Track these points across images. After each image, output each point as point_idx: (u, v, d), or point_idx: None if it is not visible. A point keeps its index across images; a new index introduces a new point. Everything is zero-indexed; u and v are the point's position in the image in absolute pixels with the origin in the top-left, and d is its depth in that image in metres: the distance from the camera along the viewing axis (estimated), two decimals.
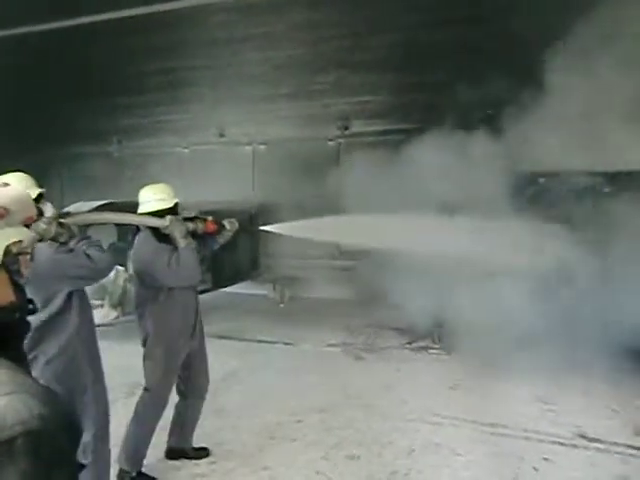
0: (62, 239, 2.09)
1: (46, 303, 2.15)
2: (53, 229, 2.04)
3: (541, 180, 5.22)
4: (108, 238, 5.86)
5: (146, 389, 2.93)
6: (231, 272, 6.91)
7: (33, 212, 1.82)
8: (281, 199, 7.17)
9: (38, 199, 2.14)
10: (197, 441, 3.23)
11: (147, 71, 8.58)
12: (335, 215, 4.04)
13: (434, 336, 5.65)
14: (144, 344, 2.93)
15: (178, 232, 2.79)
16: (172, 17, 8.14)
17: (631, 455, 3.17)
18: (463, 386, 4.33)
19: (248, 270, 7.62)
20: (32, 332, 2.01)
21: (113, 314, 5.31)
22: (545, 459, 3.14)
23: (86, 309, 2.33)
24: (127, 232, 5.20)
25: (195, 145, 9.04)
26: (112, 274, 5.03)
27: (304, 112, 8.06)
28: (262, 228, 3.27)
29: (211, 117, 8.75)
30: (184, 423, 3.13)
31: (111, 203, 5.67)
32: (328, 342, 5.67)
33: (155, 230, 2.82)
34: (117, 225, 5.49)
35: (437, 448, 3.31)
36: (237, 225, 3.22)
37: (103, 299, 5.32)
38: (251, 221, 7.68)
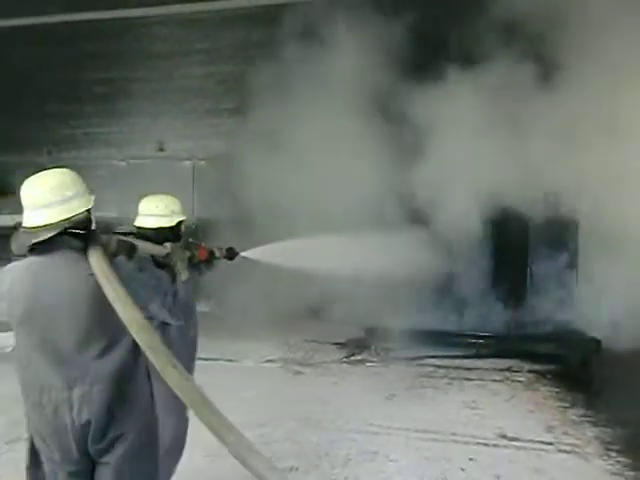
0: (121, 255, 1.76)
1: (112, 345, 1.68)
2: (114, 242, 1.74)
3: None
4: None
5: None
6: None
7: None
8: (221, 215, 7.15)
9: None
10: None
11: (83, 80, 8.30)
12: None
13: (371, 350, 5.86)
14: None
15: (180, 262, 2.37)
16: (112, 26, 7.99)
17: (543, 450, 3.50)
18: (398, 396, 4.52)
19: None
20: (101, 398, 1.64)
21: None
22: (471, 459, 3.37)
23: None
24: None
25: (132, 159, 8.81)
26: None
27: (244, 127, 8.12)
28: (243, 254, 3.13)
29: (150, 130, 8.58)
30: None
31: None
32: (267, 358, 5.69)
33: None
34: None
35: (372, 456, 3.45)
36: (225, 252, 2.88)
37: None
38: (191, 237, 7.54)
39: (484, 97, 5.04)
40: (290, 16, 6.14)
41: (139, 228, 2.62)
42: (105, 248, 1.68)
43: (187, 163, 8.58)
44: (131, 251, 1.80)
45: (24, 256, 1.74)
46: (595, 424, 3.93)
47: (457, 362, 5.38)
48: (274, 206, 5.47)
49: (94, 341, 1.67)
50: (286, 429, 3.82)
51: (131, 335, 1.61)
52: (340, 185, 5.45)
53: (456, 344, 5.69)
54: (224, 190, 7.06)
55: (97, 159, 8.82)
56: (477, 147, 5.09)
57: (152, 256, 2.39)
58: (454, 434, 3.75)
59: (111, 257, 1.68)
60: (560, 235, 5.78)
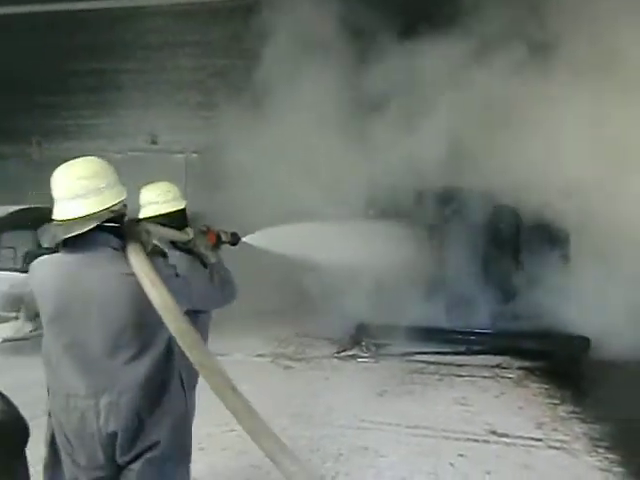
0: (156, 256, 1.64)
1: (143, 351, 1.55)
2: (150, 240, 1.60)
3: None
4: (22, 247, 5.50)
5: None
6: None
7: None
8: (214, 208, 7.11)
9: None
10: None
11: (75, 71, 8.20)
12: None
13: (362, 345, 5.86)
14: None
15: (203, 246, 2.27)
16: (104, 17, 7.90)
17: (532, 446, 3.52)
18: (390, 392, 4.53)
19: None
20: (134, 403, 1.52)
21: (28, 327, 4.95)
22: (460, 455, 3.39)
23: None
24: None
25: (125, 151, 8.72)
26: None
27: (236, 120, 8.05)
28: (244, 239, 3.04)
29: (142, 123, 8.51)
30: None
31: (29, 209, 5.34)
32: (258, 352, 5.67)
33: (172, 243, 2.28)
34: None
35: (363, 451, 3.44)
36: (230, 236, 2.72)
37: (18, 311, 4.94)
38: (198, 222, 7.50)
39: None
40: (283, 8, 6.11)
41: (146, 219, 2.39)
42: (144, 247, 1.54)
43: (179, 156, 8.52)
44: (163, 255, 1.70)
45: (53, 251, 1.61)
46: (584, 421, 3.96)
47: (447, 358, 5.41)
48: (266, 198, 5.44)
49: (125, 345, 1.54)
50: (277, 424, 3.74)
51: (164, 339, 1.53)
52: (333, 177, 5.43)
53: (447, 341, 5.71)
54: (217, 183, 7.01)
55: (87, 151, 8.68)
56: (475, 141, 5.07)
57: (173, 242, 2.28)
58: (444, 430, 3.76)
59: (150, 258, 1.54)
60: (552, 233, 5.80)
